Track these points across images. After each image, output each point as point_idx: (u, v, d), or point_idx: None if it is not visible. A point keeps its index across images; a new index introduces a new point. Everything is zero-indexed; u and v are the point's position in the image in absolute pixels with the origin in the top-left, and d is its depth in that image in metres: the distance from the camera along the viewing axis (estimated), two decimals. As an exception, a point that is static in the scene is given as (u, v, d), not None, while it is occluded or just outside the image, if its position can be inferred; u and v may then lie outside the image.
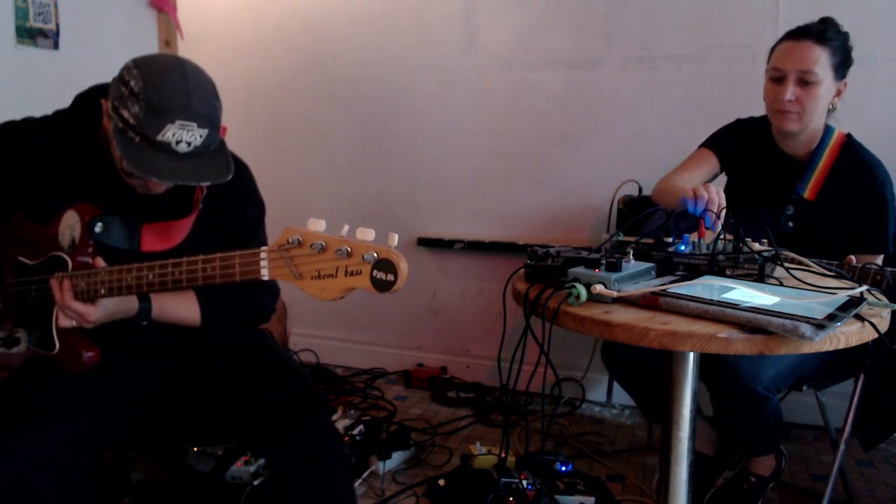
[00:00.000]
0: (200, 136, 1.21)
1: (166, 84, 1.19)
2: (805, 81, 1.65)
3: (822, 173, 1.72)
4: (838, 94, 1.70)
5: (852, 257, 1.44)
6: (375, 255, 0.94)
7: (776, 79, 1.70)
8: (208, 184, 1.26)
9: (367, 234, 0.96)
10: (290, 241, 1.00)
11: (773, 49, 1.73)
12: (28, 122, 1.43)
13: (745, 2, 2.41)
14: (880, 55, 2.28)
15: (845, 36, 1.69)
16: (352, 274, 0.96)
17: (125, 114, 1.19)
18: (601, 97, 2.62)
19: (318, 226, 1.00)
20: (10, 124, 1.44)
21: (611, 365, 1.97)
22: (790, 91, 1.66)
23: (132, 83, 1.19)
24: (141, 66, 1.21)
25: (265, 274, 1.04)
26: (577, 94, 2.65)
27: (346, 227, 0.99)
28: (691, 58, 2.50)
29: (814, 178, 1.73)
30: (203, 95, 1.23)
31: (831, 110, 1.73)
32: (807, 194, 1.72)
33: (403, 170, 2.93)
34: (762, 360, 1.59)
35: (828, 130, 1.75)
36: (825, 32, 1.66)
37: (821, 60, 1.64)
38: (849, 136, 1.76)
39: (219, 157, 1.28)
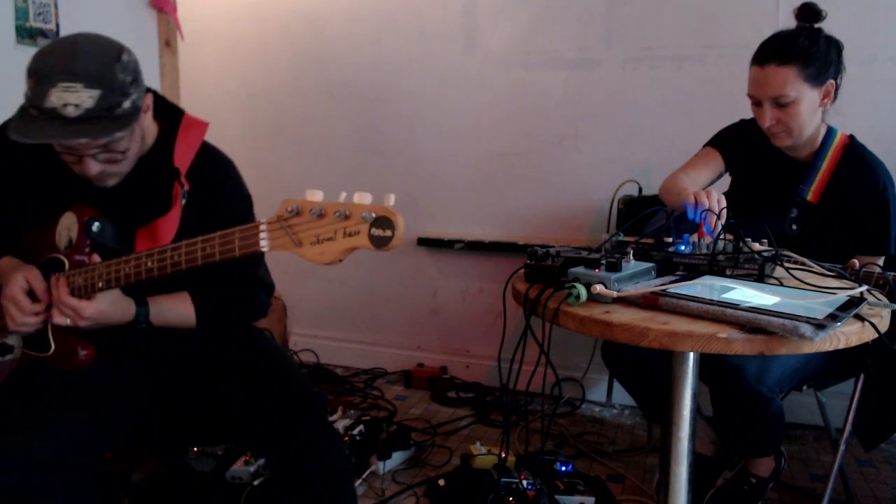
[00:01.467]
0: (90, 98, 1.17)
1: (51, 52, 1.20)
2: (780, 104, 1.64)
3: (825, 176, 1.71)
4: (826, 95, 1.66)
5: (856, 261, 1.44)
6: (373, 214, 0.95)
7: (754, 103, 1.70)
8: (85, 140, 1.19)
9: (364, 198, 0.97)
10: (289, 210, 1.01)
11: (751, 64, 1.71)
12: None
13: (745, 2, 2.41)
14: (880, 55, 2.28)
15: (816, 35, 1.64)
16: (350, 235, 0.97)
17: (26, 93, 1.19)
18: (601, 97, 2.62)
19: (315, 196, 1.00)
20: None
21: (610, 363, 1.98)
22: (768, 117, 1.66)
23: (30, 62, 1.20)
24: (44, 46, 1.22)
25: (265, 245, 1.04)
26: (577, 94, 2.65)
27: (344, 194, 1.00)
28: (691, 58, 2.50)
29: (817, 180, 1.72)
30: (94, 56, 1.19)
31: (826, 111, 1.71)
32: (810, 197, 1.72)
33: (403, 170, 2.93)
34: (767, 362, 1.59)
35: (830, 132, 1.75)
36: (790, 47, 1.61)
37: (789, 80, 1.61)
38: (851, 137, 1.75)
39: (123, 122, 1.23)
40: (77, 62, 1.17)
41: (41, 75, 1.17)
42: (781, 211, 1.74)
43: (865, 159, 1.72)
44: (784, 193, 1.76)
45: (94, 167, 1.27)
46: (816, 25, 1.68)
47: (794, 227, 1.72)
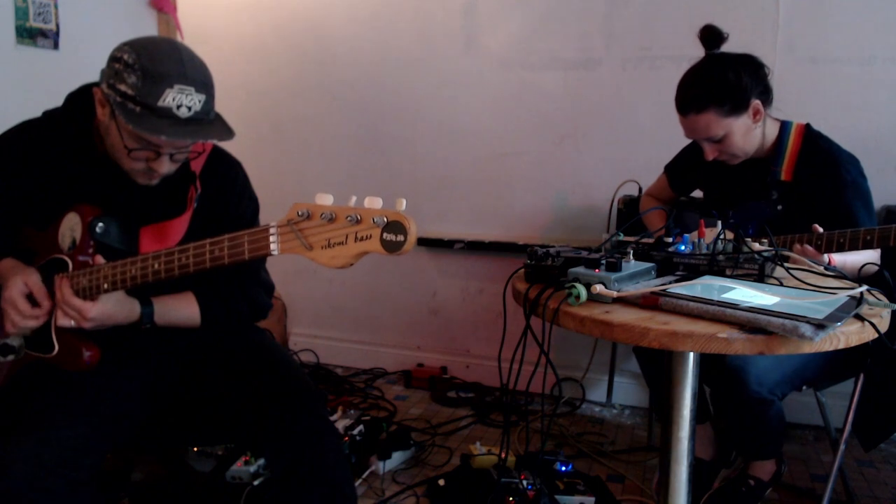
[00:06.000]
0: (199, 101, 1.23)
1: (160, 53, 1.22)
2: (713, 140, 1.69)
3: (793, 155, 1.74)
4: (756, 113, 1.68)
5: (817, 226, 1.49)
6: (385, 218, 0.95)
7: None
8: (214, 142, 1.29)
9: (375, 202, 0.97)
10: (299, 214, 1.01)
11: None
12: (16, 130, 1.42)
13: (745, 2, 2.41)
14: (880, 55, 2.28)
15: (723, 68, 1.65)
16: (362, 239, 0.97)
17: (122, 87, 1.20)
18: (601, 97, 2.62)
19: (325, 199, 1.01)
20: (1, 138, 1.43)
21: (639, 352, 1.99)
22: (709, 152, 1.73)
23: (125, 57, 1.21)
24: (132, 42, 1.24)
25: (275, 249, 1.04)
26: (577, 94, 2.65)
27: (354, 198, 1.00)
28: (691, 58, 2.48)
29: (786, 160, 1.74)
30: (196, 64, 1.26)
31: (765, 121, 1.72)
32: (783, 176, 1.74)
33: (403, 170, 2.93)
34: (768, 364, 1.59)
35: (785, 125, 1.77)
36: (701, 94, 1.64)
37: (711, 124, 1.65)
38: (807, 126, 1.77)
39: (219, 123, 1.30)
40: (188, 67, 1.22)
41: (156, 75, 1.19)
42: (762, 196, 1.76)
43: (825, 147, 1.73)
44: (760, 183, 1.77)
45: (167, 165, 1.31)
46: (720, 51, 1.70)
47: (779, 207, 1.74)
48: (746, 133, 1.70)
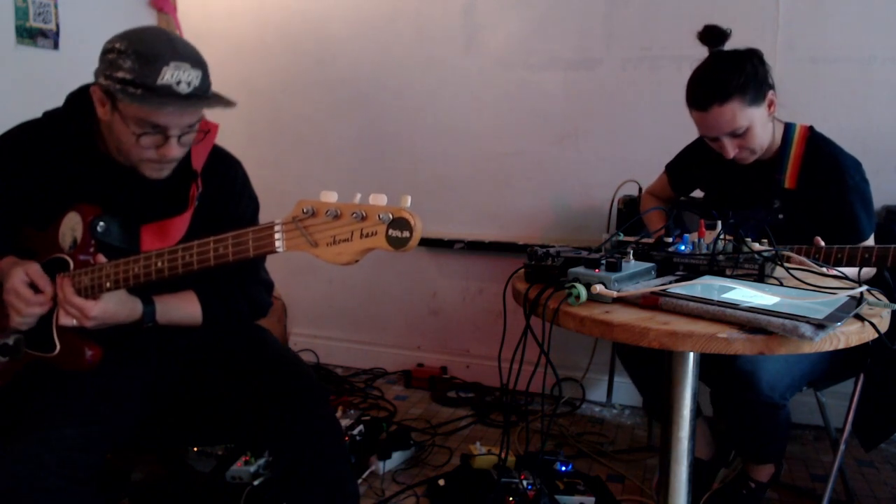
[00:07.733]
0: (196, 77, 1.25)
1: (149, 36, 1.24)
2: (737, 135, 1.65)
3: (796, 161, 1.72)
4: (771, 104, 1.66)
5: (818, 238, 1.48)
6: (391, 215, 0.96)
7: (710, 139, 1.71)
8: (221, 108, 1.28)
9: (380, 199, 0.98)
10: (304, 211, 1.01)
11: (688, 106, 1.69)
12: (16, 130, 1.42)
13: (745, 2, 2.41)
14: (880, 55, 2.28)
15: (739, 59, 1.63)
16: (367, 236, 0.97)
17: (120, 74, 1.21)
18: (601, 97, 2.62)
19: (330, 197, 1.01)
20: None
21: (623, 355, 1.99)
22: (730, 148, 1.67)
23: (117, 46, 1.23)
24: (119, 34, 1.27)
25: (280, 246, 1.05)
26: (577, 94, 2.65)
27: (359, 195, 1.00)
28: (691, 58, 2.47)
29: (789, 167, 1.72)
30: (186, 44, 1.28)
31: (774, 115, 1.71)
32: (787, 184, 1.72)
33: (403, 169, 2.93)
34: (780, 369, 1.59)
35: (788, 127, 1.75)
36: (724, 83, 1.60)
37: (737, 113, 1.61)
38: (811, 128, 1.75)
39: (219, 98, 1.31)
40: (178, 46, 1.25)
41: (150, 56, 1.21)
42: (765, 204, 1.75)
43: (826, 150, 1.71)
44: (763, 188, 1.76)
45: (176, 149, 1.31)
46: (726, 47, 1.69)
47: (781, 216, 1.73)
48: (764, 126, 1.67)
